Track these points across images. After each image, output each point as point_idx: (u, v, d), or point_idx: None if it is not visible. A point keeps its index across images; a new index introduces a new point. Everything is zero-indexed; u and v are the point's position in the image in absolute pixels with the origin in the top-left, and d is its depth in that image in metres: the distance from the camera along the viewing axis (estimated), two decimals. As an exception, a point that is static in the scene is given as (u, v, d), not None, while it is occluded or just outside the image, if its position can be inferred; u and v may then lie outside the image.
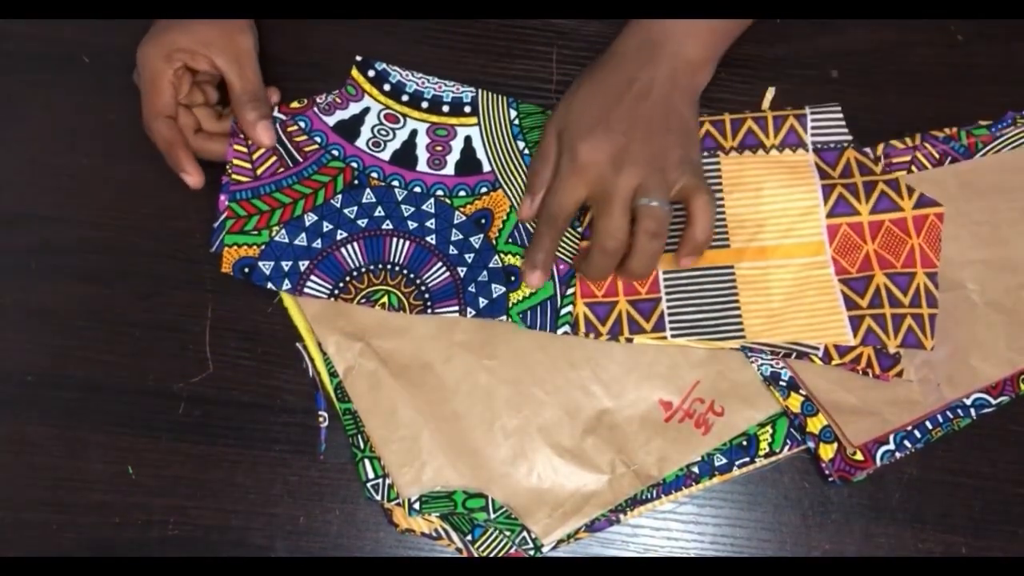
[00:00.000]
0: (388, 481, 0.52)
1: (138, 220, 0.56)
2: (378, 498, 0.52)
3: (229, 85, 0.54)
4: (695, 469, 0.52)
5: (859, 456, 0.52)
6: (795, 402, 0.52)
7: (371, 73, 0.58)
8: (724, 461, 0.52)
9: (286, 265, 0.54)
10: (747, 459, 0.52)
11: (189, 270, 0.55)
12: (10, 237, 0.56)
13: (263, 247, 0.54)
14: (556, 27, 0.60)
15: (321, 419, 0.53)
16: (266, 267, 0.54)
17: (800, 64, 0.59)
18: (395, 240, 0.55)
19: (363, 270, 0.54)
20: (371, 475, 0.52)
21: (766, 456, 0.52)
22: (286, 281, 0.54)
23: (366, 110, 0.57)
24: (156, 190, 0.57)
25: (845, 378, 0.53)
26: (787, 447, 0.52)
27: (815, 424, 0.52)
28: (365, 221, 0.55)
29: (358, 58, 0.58)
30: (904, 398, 0.52)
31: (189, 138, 0.55)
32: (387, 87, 0.57)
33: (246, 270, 0.54)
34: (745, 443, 0.53)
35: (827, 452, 0.52)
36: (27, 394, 0.54)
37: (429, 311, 0.53)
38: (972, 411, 0.52)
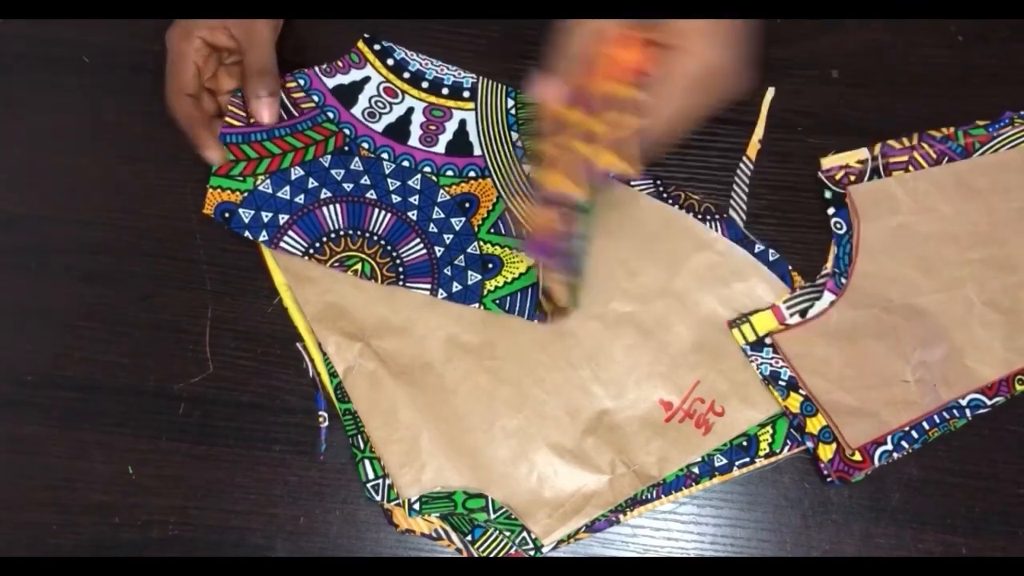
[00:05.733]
0: (388, 481, 0.52)
1: (138, 220, 0.56)
2: (378, 498, 0.52)
3: (243, 57, 0.54)
4: (695, 469, 0.52)
5: (857, 457, 0.52)
6: (794, 402, 0.52)
7: (376, 47, 0.58)
8: (724, 461, 0.52)
9: (266, 216, 0.54)
10: (747, 459, 0.53)
11: (189, 270, 0.55)
12: (10, 237, 0.56)
13: (246, 194, 0.54)
14: (557, 27, 0.60)
15: (321, 419, 0.53)
16: (246, 215, 0.54)
17: (800, 64, 0.59)
18: (376, 210, 0.55)
19: (341, 233, 0.54)
20: (371, 475, 0.52)
21: (766, 456, 0.53)
22: (264, 232, 0.54)
23: (366, 79, 0.57)
24: (156, 190, 0.57)
25: (845, 378, 0.53)
26: (787, 447, 0.53)
27: (814, 424, 0.52)
28: (350, 186, 0.55)
29: (365, 35, 0.58)
30: (901, 399, 0.52)
31: (209, 124, 0.55)
32: (390, 61, 0.58)
33: (226, 215, 0.54)
34: (745, 443, 0.53)
35: (826, 452, 0.52)
36: (27, 394, 0.54)
37: (401, 284, 0.54)
38: (967, 412, 0.53)
